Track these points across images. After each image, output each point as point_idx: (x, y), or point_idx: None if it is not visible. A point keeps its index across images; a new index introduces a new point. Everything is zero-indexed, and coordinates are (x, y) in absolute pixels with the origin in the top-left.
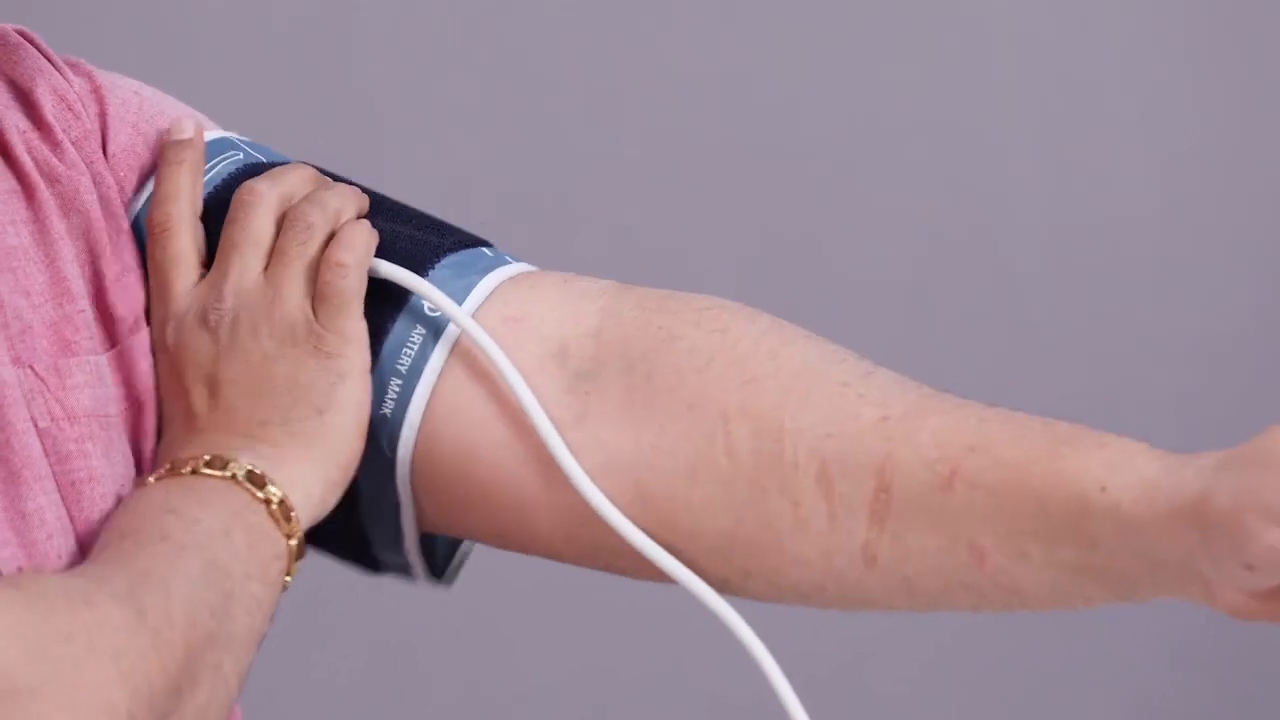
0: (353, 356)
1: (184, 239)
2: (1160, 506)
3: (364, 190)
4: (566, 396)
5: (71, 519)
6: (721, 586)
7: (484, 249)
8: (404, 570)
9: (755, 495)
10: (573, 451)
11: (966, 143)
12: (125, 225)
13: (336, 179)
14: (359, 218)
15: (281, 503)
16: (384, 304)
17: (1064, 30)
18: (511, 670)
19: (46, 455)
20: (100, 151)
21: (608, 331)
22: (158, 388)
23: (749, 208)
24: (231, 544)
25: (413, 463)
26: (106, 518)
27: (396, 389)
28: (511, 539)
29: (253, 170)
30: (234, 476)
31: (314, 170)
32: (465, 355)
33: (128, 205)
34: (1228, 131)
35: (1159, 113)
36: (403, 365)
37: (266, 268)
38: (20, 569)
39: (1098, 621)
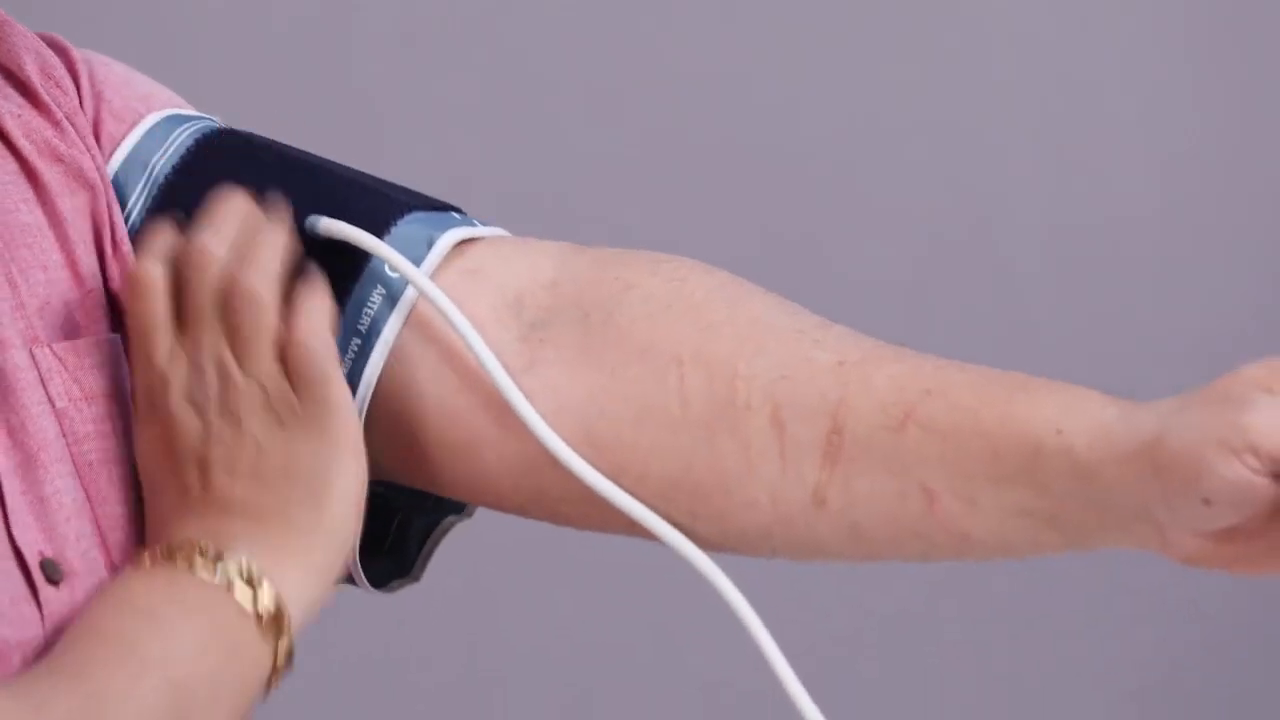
0: (341, 426)
1: (164, 301)
2: (1116, 449)
3: (319, 161)
4: (519, 344)
5: (89, 500)
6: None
7: (453, 213)
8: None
9: (706, 439)
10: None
11: (966, 143)
12: (114, 200)
13: (322, 164)
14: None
15: (275, 617)
16: (346, 264)
17: (1064, 30)
18: (501, 656)
19: (64, 436)
20: (89, 127)
21: (563, 283)
22: (142, 455)
23: (749, 208)
24: (205, 662)
25: (368, 416)
26: (124, 499)
27: (355, 348)
28: (461, 485)
29: (212, 137)
30: (229, 584)
31: (246, 203)
32: (423, 314)
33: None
34: (1228, 131)
35: (1159, 112)
36: (363, 325)
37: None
38: (40, 552)
39: (1099, 622)
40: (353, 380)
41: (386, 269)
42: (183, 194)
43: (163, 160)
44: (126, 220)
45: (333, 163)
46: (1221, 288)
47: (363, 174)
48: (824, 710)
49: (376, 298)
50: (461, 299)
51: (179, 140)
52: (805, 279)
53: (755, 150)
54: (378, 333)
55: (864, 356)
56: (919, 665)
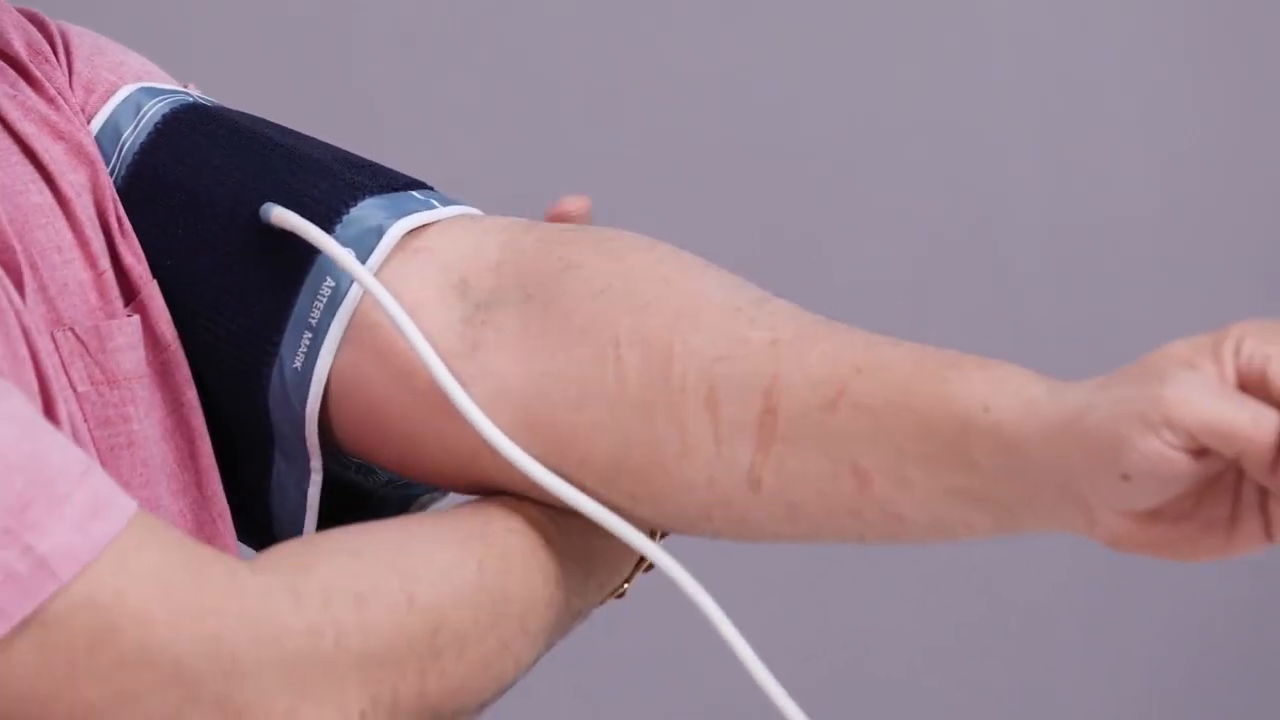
0: None
1: None
2: (1041, 424)
3: (283, 137)
4: (463, 326)
5: None
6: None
7: (413, 192)
8: None
9: (643, 419)
10: (462, 382)
11: (966, 142)
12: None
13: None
14: None
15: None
16: (300, 254)
17: (1064, 30)
18: None
19: (87, 421)
20: (76, 99)
21: (508, 263)
22: None
23: (749, 208)
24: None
25: (332, 401)
26: (147, 482)
27: (307, 342)
28: (412, 470)
29: (181, 112)
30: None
31: None
32: (371, 303)
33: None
34: (1228, 131)
35: (1158, 112)
36: (313, 318)
37: None
38: None
39: (1101, 623)
40: (305, 373)
41: (325, 284)
42: (149, 171)
43: (132, 137)
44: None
45: (300, 138)
46: (1221, 287)
47: (328, 151)
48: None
49: (326, 290)
50: (408, 279)
51: (149, 114)
52: (805, 279)
53: (755, 150)
54: (326, 328)
55: (797, 334)
56: (903, 668)
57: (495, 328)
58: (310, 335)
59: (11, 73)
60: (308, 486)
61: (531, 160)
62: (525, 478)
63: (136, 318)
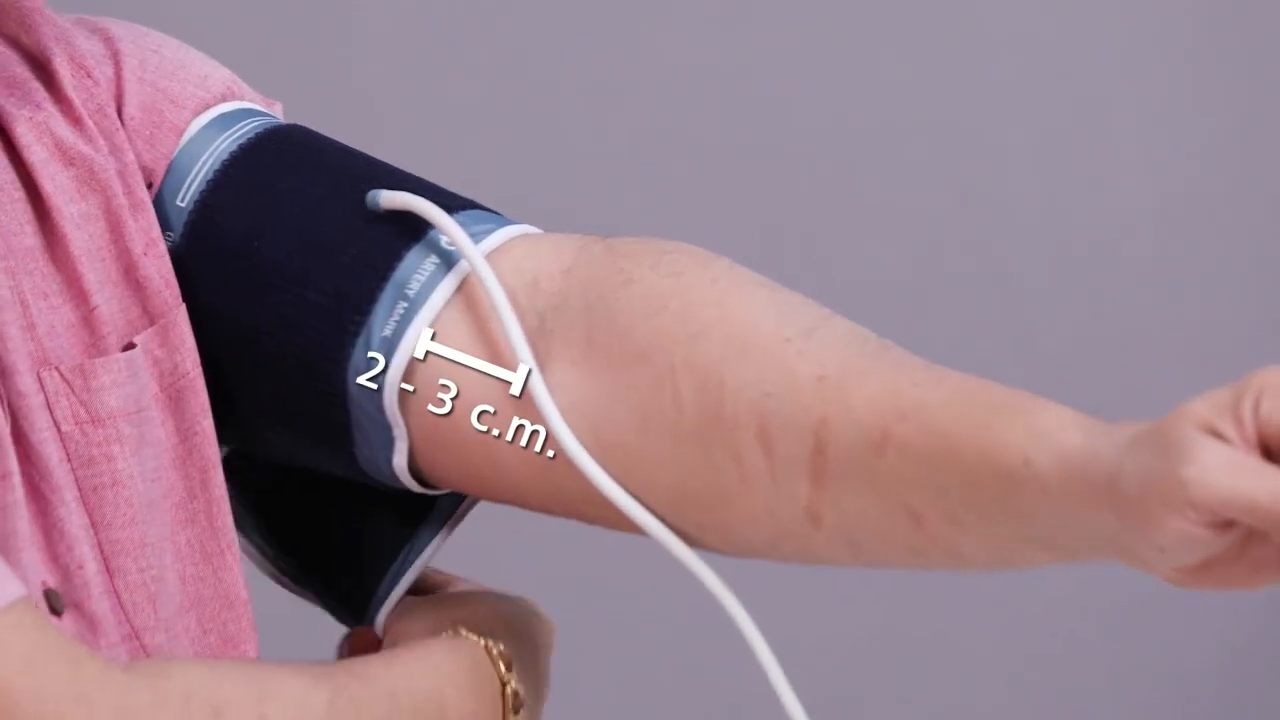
0: None
1: None
2: (1079, 484)
3: (384, 166)
4: (534, 336)
5: (93, 524)
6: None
7: (506, 219)
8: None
9: (702, 450)
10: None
11: (967, 143)
12: (145, 196)
13: (351, 150)
14: None
15: (516, 695)
16: (405, 233)
17: (1066, 31)
18: None
19: (69, 460)
20: (118, 119)
21: (578, 269)
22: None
23: (749, 209)
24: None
25: (399, 384)
26: (131, 522)
27: (401, 310)
28: (478, 480)
29: (280, 128)
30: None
31: None
32: (475, 291)
33: (159, 180)
34: (1232, 135)
35: (1161, 114)
36: (411, 289)
37: None
38: (43, 583)
39: (1106, 627)
40: (393, 342)
41: (444, 243)
42: (243, 171)
43: (227, 141)
44: (185, 193)
45: (391, 166)
46: (1223, 291)
47: (419, 178)
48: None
49: (429, 265)
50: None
51: (247, 127)
52: (805, 280)
53: (755, 151)
54: (425, 298)
55: (844, 370)
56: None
57: (562, 341)
58: (405, 305)
59: (41, 90)
60: (393, 455)
61: (531, 160)
62: (600, 495)
63: (127, 355)
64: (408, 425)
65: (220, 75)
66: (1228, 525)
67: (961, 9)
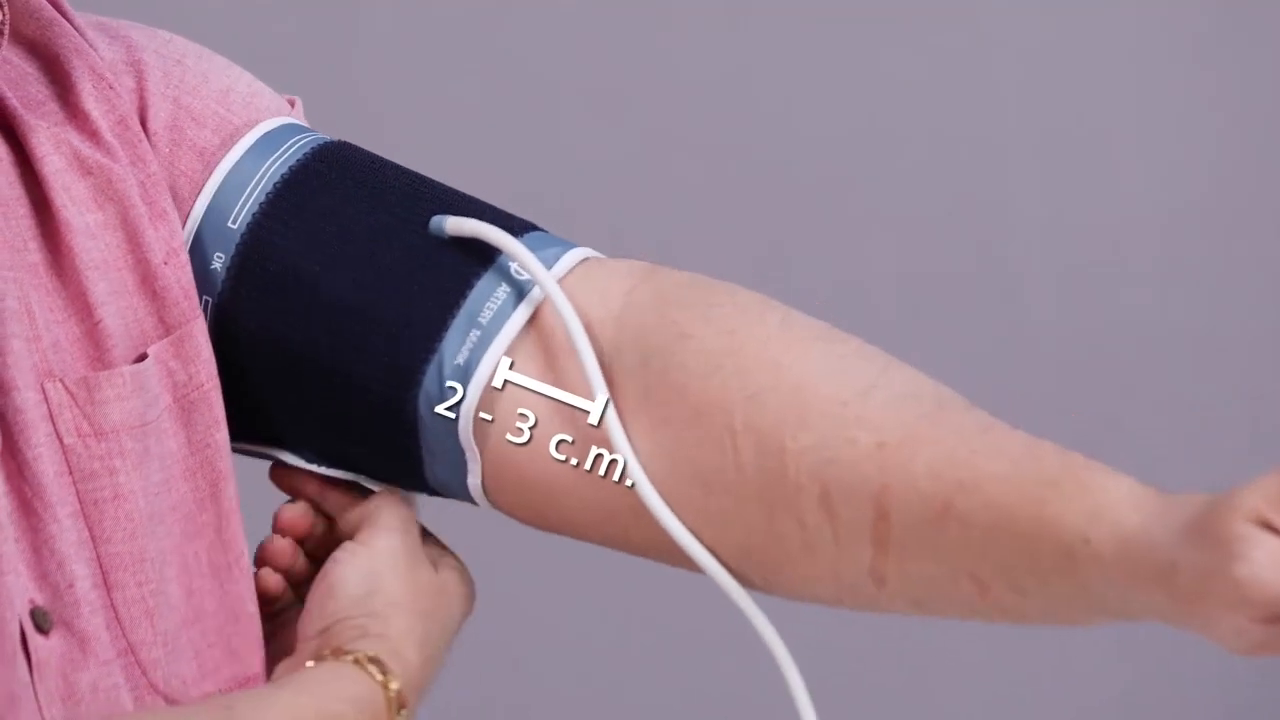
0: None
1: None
2: (1135, 566)
3: (437, 182)
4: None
5: (93, 538)
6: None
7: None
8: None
9: (765, 512)
10: None
11: (972, 149)
12: (168, 207)
13: (387, 163)
14: None
15: (399, 694)
16: (473, 259)
17: (1072, 38)
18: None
19: (70, 473)
20: (141, 130)
21: (629, 317)
22: None
23: (749, 209)
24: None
25: (476, 413)
26: (131, 536)
27: (474, 339)
28: (551, 510)
29: (331, 146)
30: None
31: None
32: (544, 320)
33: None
34: (1237, 141)
35: (1162, 118)
36: (484, 318)
37: None
38: (31, 600)
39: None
40: (468, 370)
41: (513, 270)
42: (299, 194)
43: (280, 161)
44: (237, 215)
45: (445, 184)
46: (1227, 296)
47: (476, 199)
48: None
49: (501, 294)
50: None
51: (294, 147)
52: (806, 280)
53: (755, 151)
54: (499, 328)
55: (902, 437)
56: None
57: (620, 392)
58: (478, 333)
59: (58, 101)
60: (467, 477)
61: (531, 160)
62: (670, 543)
63: (133, 369)
64: (481, 452)
65: (240, 89)
66: None
67: (967, 15)
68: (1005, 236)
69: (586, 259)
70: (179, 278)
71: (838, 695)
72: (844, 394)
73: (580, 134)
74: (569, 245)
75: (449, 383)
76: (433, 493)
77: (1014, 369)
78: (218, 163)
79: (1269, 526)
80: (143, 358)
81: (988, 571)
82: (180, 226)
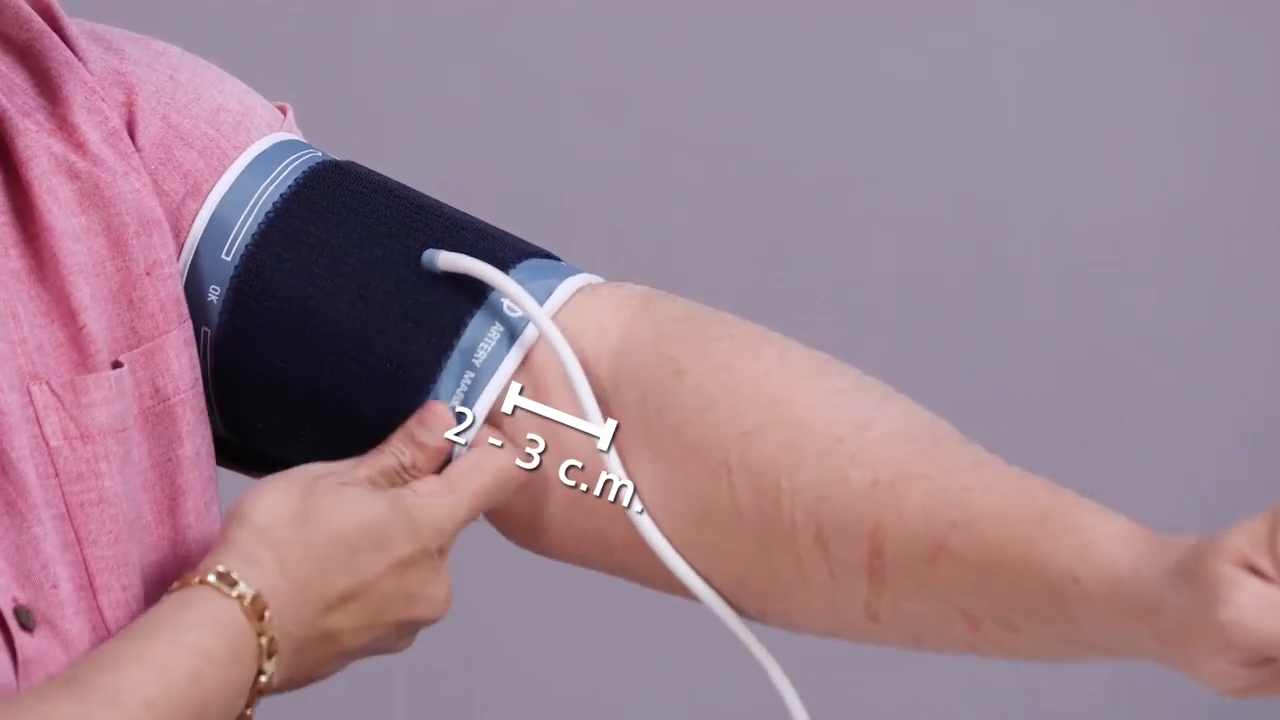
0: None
1: None
2: (1124, 607)
3: (432, 202)
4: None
5: (79, 540)
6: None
7: (560, 262)
8: None
9: (761, 548)
10: None
11: (971, 149)
12: (158, 217)
13: (398, 187)
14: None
15: (255, 600)
16: (465, 298)
17: (1071, 37)
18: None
19: (56, 475)
20: (131, 143)
21: (625, 354)
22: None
23: (749, 208)
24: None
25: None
26: (116, 540)
27: (469, 380)
28: (534, 540)
29: (326, 168)
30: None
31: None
32: (539, 357)
33: (174, 210)
34: (1236, 140)
35: (1164, 115)
36: (478, 359)
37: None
38: (14, 599)
39: None
40: (464, 412)
41: (505, 307)
42: (292, 223)
43: (271, 187)
44: (230, 246)
45: (440, 203)
46: (1226, 296)
47: (471, 217)
48: None
49: (494, 334)
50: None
51: (287, 170)
52: (806, 280)
53: (755, 151)
54: (493, 370)
55: (895, 475)
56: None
57: (619, 427)
58: (473, 375)
59: (42, 114)
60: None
61: (531, 160)
62: (666, 575)
63: (116, 373)
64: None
65: (232, 106)
66: (1268, 661)
67: (966, 14)
68: (1005, 236)
69: (581, 289)
70: (158, 290)
71: (833, 696)
72: (839, 430)
73: (580, 134)
74: (564, 273)
75: (459, 408)
76: None
77: (1014, 369)
78: (209, 190)
79: (1254, 570)
80: (118, 364)
81: (979, 608)
82: (170, 237)
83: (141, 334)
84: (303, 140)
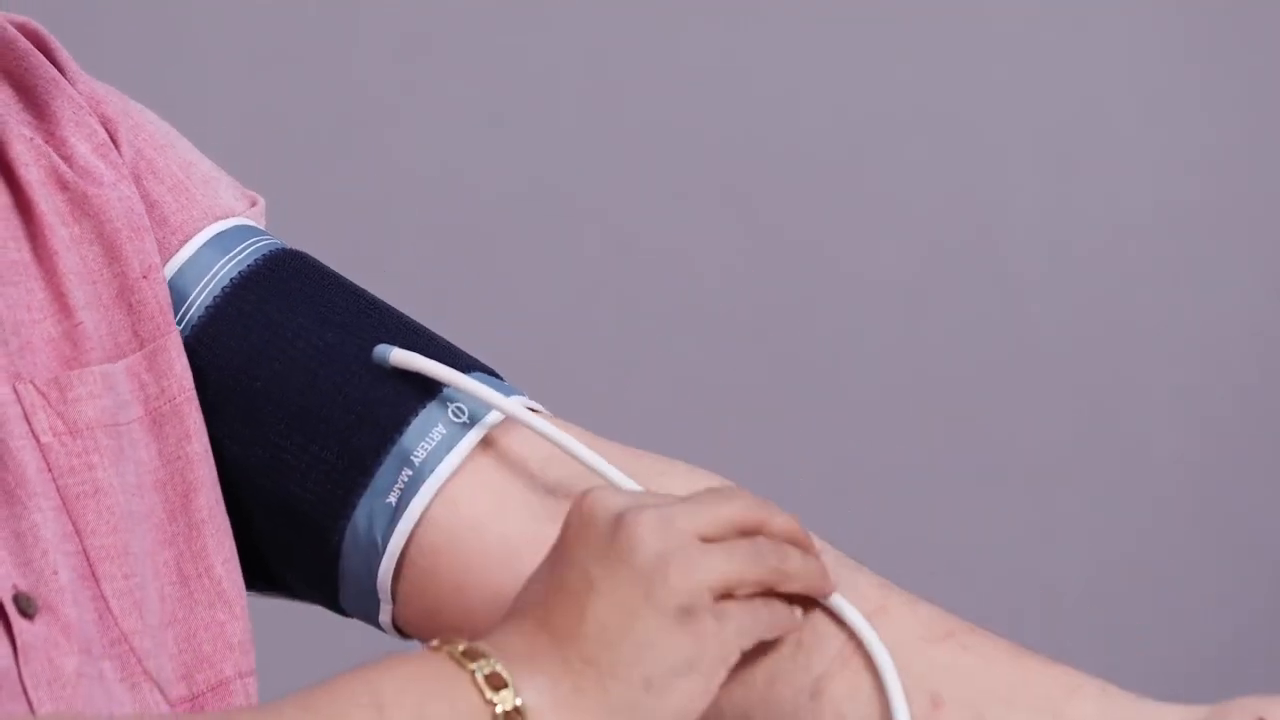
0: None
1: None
2: None
3: (386, 305)
4: (538, 526)
5: (78, 532)
6: None
7: (500, 379)
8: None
9: None
10: None
11: (969, 144)
12: (148, 224)
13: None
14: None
15: (512, 714)
16: (412, 395)
17: (1069, 29)
18: None
19: (50, 470)
20: (119, 155)
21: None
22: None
23: (749, 207)
24: None
25: (402, 554)
26: (115, 529)
27: (406, 479)
28: (469, 595)
29: (285, 255)
30: (472, 675)
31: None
32: (482, 458)
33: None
34: (1234, 135)
35: (1163, 114)
36: (417, 458)
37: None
38: (14, 586)
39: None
40: (400, 509)
41: (451, 411)
42: (246, 302)
43: (231, 264)
44: (182, 317)
45: (394, 308)
46: (1224, 290)
47: (424, 326)
48: None
49: (436, 435)
50: (489, 471)
51: (247, 251)
52: (805, 279)
53: (756, 150)
54: (431, 469)
55: (910, 597)
56: None
57: None
58: (410, 473)
59: (29, 129)
60: (378, 615)
61: (531, 160)
62: None
63: (117, 365)
64: (401, 589)
65: (203, 168)
66: None
67: (965, 9)
68: (1005, 237)
69: (532, 416)
70: (155, 293)
71: None
72: (843, 559)
73: (580, 134)
74: (511, 391)
75: (375, 522)
76: (344, 614)
77: (1014, 366)
78: (168, 258)
79: None
80: None
81: (957, 691)
82: (156, 246)
83: (143, 336)
84: (266, 231)
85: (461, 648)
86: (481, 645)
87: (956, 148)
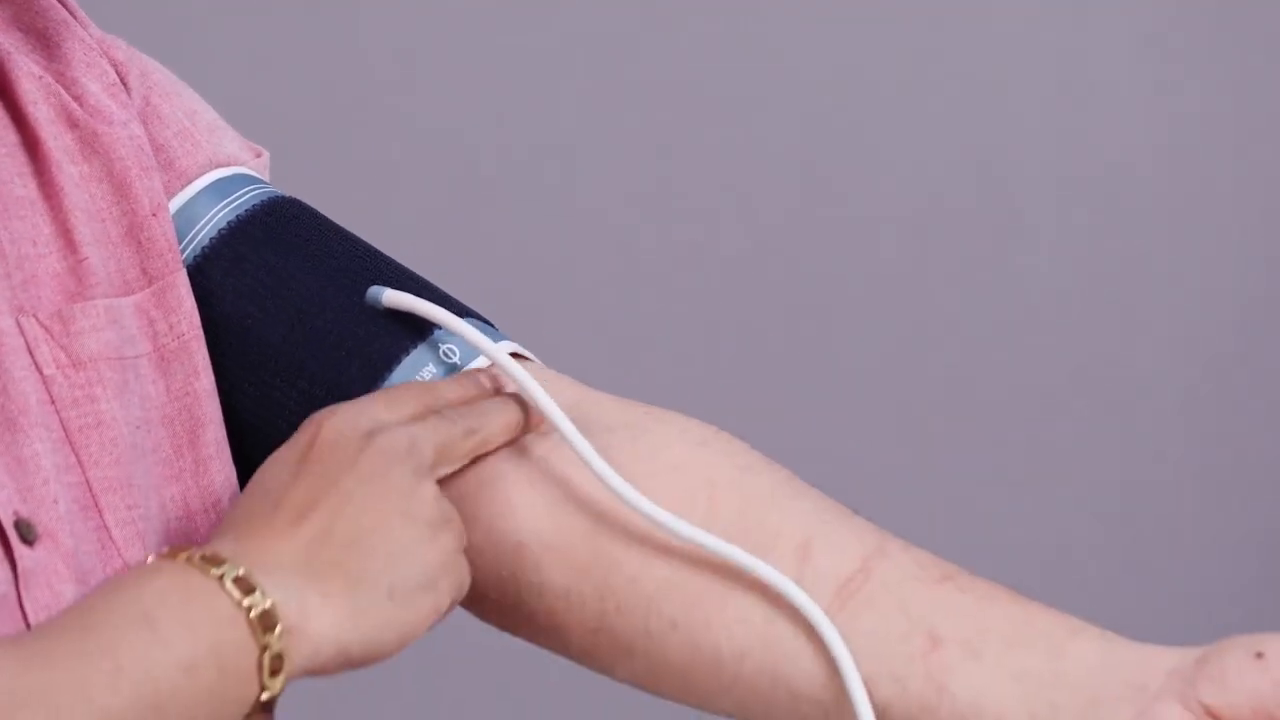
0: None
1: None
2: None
3: (384, 254)
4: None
5: (80, 463)
6: (644, 633)
7: (493, 327)
8: None
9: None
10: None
11: (969, 144)
12: (154, 163)
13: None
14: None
15: (277, 656)
16: (405, 334)
17: (1068, 32)
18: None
19: (53, 401)
20: (128, 96)
21: (586, 404)
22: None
23: (750, 206)
24: (186, 683)
25: None
26: (119, 461)
27: None
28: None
29: (282, 202)
30: (243, 609)
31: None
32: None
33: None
34: (1232, 123)
35: (1163, 103)
36: None
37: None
38: (15, 512)
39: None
40: None
41: (442, 352)
42: (240, 245)
43: (228, 209)
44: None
45: (389, 257)
46: (1224, 285)
47: (419, 275)
48: None
49: (427, 374)
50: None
51: (244, 197)
52: (805, 278)
53: (755, 148)
54: None
55: (907, 543)
56: None
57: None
58: None
59: (39, 68)
60: None
61: (532, 160)
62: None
63: (124, 300)
64: None
65: (208, 117)
66: None
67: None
68: (1007, 237)
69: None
70: (164, 231)
71: None
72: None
73: (580, 133)
74: (501, 337)
75: None
76: None
77: (1014, 366)
78: (169, 199)
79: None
80: None
81: (955, 629)
82: (162, 186)
83: (152, 274)
84: (267, 181)
85: (201, 554)
86: (220, 549)
87: (957, 148)
